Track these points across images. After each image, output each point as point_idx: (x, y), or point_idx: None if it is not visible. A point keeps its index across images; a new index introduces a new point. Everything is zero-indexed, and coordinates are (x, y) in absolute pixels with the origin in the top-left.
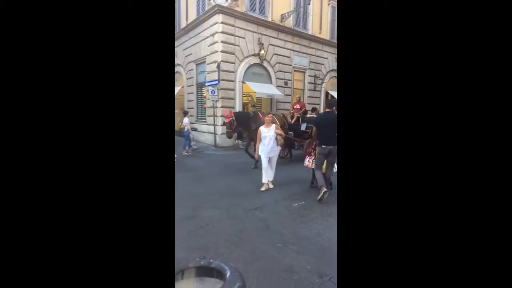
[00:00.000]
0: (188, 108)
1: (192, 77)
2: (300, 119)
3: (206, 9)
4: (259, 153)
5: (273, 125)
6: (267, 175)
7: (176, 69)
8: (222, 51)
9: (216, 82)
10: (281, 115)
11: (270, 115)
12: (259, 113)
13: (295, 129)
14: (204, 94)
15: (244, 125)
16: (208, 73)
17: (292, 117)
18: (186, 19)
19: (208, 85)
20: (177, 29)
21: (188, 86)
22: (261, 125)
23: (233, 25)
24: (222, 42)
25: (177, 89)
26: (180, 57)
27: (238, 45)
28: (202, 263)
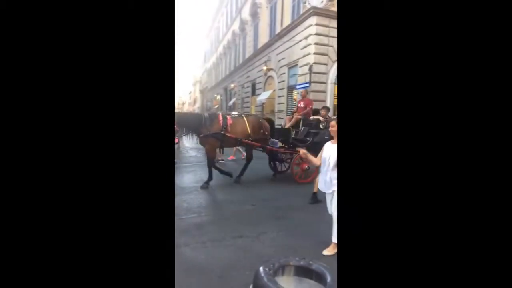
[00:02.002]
0: (278, 111)
1: (284, 81)
2: (301, 122)
3: (301, 12)
4: (319, 187)
5: None
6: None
7: (269, 73)
8: (314, 53)
9: (307, 84)
10: (258, 117)
11: (334, 122)
12: (219, 114)
13: (285, 135)
14: (295, 97)
15: (192, 131)
16: (299, 76)
17: (291, 119)
18: (281, 25)
19: (299, 88)
20: (272, 36)
21: (279, 89)
22: (216, 132)
23: (327, 26)
24: (315, 44)
25: (268, 93)
26: (273, 61)
27: (331, 46)
28: (301, 263)
